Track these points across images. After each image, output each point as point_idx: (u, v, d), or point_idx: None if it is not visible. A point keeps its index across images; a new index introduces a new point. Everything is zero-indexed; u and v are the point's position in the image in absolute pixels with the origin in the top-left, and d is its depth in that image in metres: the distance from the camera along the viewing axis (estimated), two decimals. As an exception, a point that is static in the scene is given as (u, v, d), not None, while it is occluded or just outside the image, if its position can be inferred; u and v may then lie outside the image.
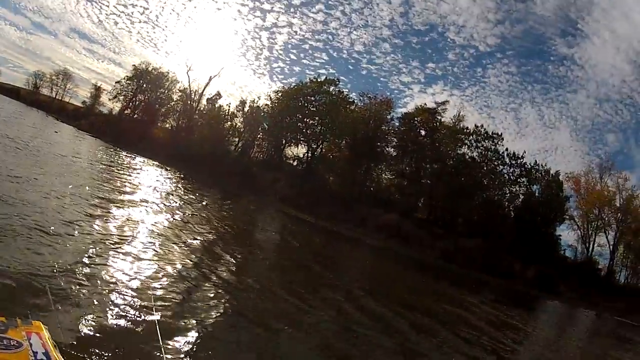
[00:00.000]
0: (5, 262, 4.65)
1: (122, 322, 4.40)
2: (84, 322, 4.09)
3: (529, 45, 64.37)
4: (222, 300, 5.87)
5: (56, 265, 5.12)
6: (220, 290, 6.26)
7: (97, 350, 3.74)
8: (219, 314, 5.34)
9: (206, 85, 40.13)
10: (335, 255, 16.33)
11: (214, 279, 6.80)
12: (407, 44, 67.36)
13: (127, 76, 44.80)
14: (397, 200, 32.54)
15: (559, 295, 23.93)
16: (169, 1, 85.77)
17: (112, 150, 29.26)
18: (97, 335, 4.00)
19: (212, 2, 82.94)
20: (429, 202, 33.76)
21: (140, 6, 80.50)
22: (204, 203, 17.44)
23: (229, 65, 77.53)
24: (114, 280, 5.34)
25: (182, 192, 18.60)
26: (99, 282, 5.12)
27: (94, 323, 4.17)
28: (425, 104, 36.76)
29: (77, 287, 4.76)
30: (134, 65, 45.45)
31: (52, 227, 6.31)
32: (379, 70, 71.38)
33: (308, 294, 7.82)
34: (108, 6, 76.80)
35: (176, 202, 14.69)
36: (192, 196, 18.20)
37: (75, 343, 3.67)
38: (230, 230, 12.81)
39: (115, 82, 45.10)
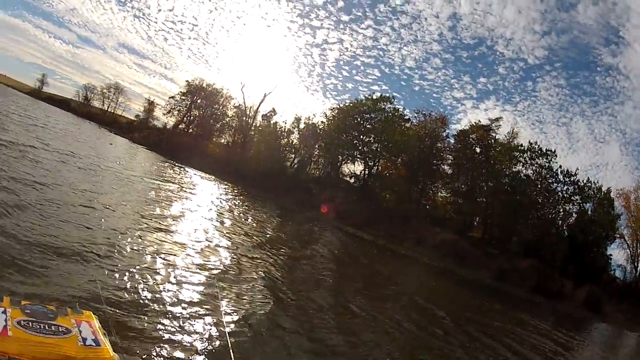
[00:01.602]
0: (67, 256, 5.71)
1: (173, 318, 5.05)
2: (136, 317, 4.71)
3: (575, 56, 65.91)
4: (282, 304, 7.05)
5: (118, 265, 6.22)
6: (279, 295, 7.50)
7: (149, 343, 4.28)
8: (284, 316, 6.36)
9: (261, 102, 45.15)
10: (396, 274, 18.08)
11: (278, 286, 8.06)
12: (457, 59, 70.90)
13: (180, 92, 50.25)
14: (452, 218, 36.99)
15: (607, 317, 27.60)
16: (218, 18, 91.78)
17: (167, 163, 32.22)
18: (151, 326, 4.60)
19: (261, 19, 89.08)
20: (484, 221, 37.91)
21: (190, 23, 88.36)
22: (262, 218, 19.10)
23: (282, 82, 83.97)
24: (171, 280, 6.33)
25: (240, 207, 20.62)
26: (160, 282, 6.15)
27: (146, 317, 4.83)
28: (479, 121, 40.53)
29: (136, 292, 5.53)
30: (187, 81, 50.95)
31: (116, 240, 7.41)
32: (431, 86, 75.86)
33: (373, 310, 8.93)
34: (156, 22, 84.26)
35: (235, 216, 16.44)
36: (250, 211, 20.16)
37: (128, 334, 4.13)
38: (288, 246, 14.14)
39: (169, 97, 50.69)
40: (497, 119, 40.02)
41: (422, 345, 7.78)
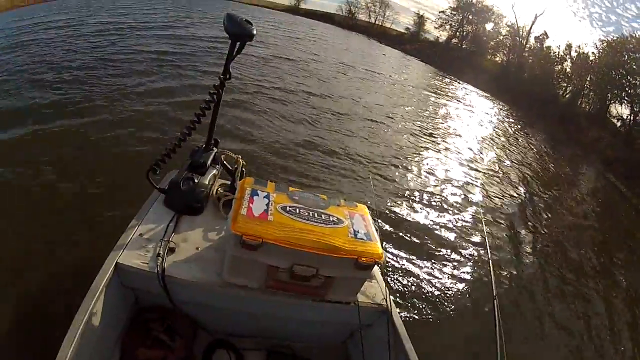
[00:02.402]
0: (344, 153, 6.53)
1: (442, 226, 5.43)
2: (399, 230, 4.86)
3: None
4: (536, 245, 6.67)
5: (382, 158, 7.00)
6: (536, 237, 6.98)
7: (415, 243, 4.55)
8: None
9: (532, 22, 45.50)
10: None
11: (530, 225, 7.40)
12: None
13: (450, 7, 51.04)
14: None
15: None
16: None
17: (443, 77, 32.61)
18: (411, 241, 4.77)
19: None
20: None
21: None
22: (534, 147, 18.15)
23: (550, 4, 75.19)
24: (441, 200, 6.60)
25: (508, 129, 19.73)
26: (425, 185, 6.73)
27: (411, 213, 5.20)
28: None
29: (405, 204, 5.88)
30: (456, -5, 50.78)
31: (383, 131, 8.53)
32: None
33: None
34: None
35: (500, 137, 15.98)
36: (518, 133, 19.25)
37: (395, 229, 4.35)
38: (554, 185, 12.44)
39: (439, 12, 51.64)
40: None
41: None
